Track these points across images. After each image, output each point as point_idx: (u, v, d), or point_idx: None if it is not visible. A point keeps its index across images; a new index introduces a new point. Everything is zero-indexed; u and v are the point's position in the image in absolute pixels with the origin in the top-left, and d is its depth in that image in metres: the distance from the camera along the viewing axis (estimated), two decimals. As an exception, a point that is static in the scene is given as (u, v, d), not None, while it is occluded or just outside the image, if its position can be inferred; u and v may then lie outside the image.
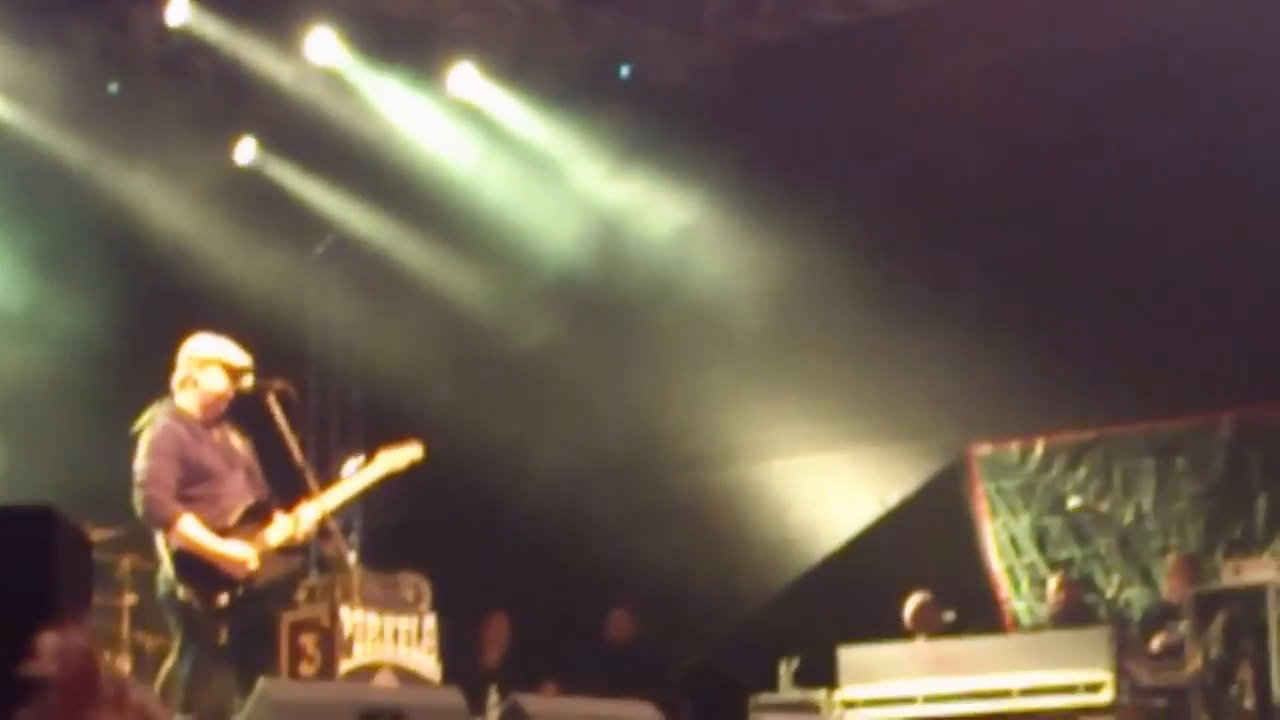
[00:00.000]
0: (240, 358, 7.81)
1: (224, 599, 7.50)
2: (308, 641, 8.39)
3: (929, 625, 12.10)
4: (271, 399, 7.76)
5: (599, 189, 13.93)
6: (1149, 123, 12.39)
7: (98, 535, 8.72)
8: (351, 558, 8.69)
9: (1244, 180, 12.19)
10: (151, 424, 7.67)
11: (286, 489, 7.93)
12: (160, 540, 7.60)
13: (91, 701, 2.10)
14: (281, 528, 7.74)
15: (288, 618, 8.57)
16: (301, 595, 9.06)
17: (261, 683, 6.05)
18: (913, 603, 12.20)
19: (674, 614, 13.27)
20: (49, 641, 2.21)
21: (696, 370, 13.98)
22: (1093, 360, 12.85)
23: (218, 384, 7.76)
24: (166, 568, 7.55)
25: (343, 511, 8.18)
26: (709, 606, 13.74)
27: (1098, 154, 12.53)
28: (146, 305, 11.79)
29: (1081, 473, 13.79)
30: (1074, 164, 12.54)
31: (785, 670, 12.01)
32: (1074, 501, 13.39)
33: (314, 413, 12.34)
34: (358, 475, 8.10)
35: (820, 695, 11.23)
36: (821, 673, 11.21)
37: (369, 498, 10.15)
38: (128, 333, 11.57)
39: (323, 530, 8.11)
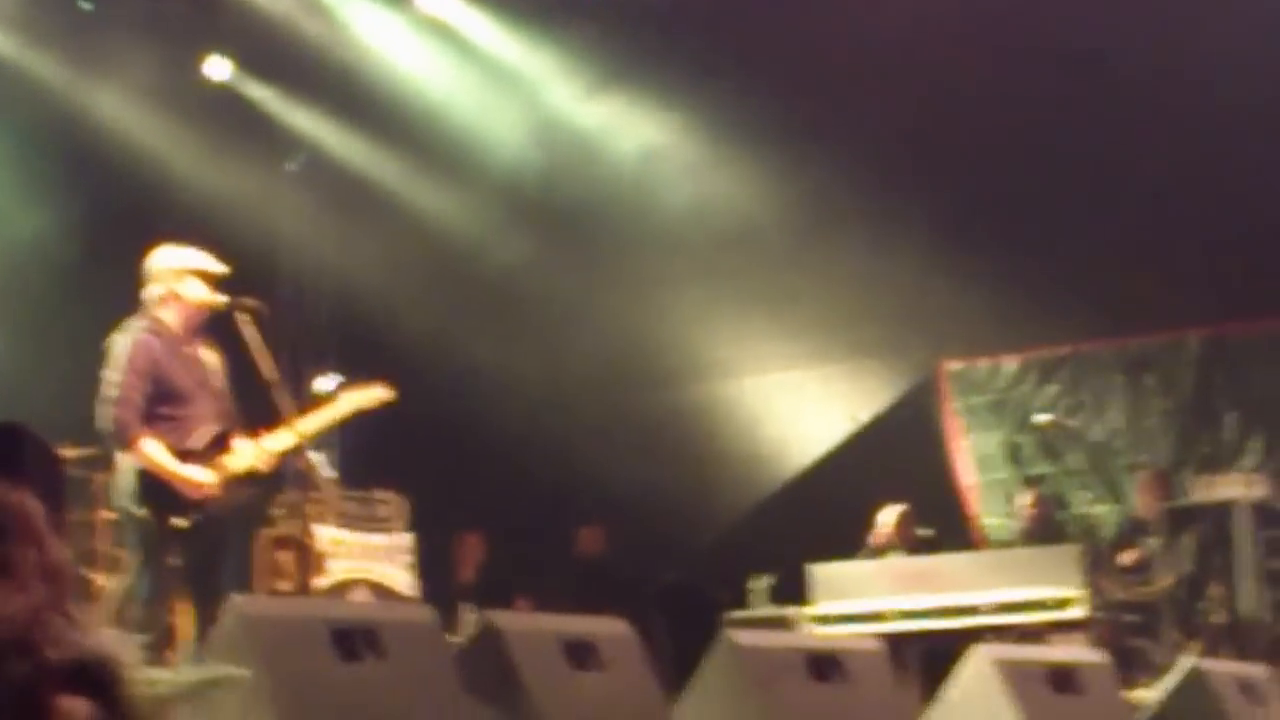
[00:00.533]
0: (216, 265, 7.69)
1: (182, 522, 7.41)
2: (284, 559, 8.39)
3: (906, 537, 12.12)
4: (243, 317, 7.65)
5: (572, 108, 13.87)
6: (1117, 38, 12.35)
7: (70, 453, 8.69)
8: (329, 476, 8.67)
9: (1211, 96, 12.15)
10: (125, 336, 7.55)
11: (257, 410, 7.87)
12: (124, 458, 7.49)
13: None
14: (245, 456, 7.64)
15: (264, 534, 8.51)
16: (279, 512, 9.03)
17: (234, 598, 6.03)
18: (892, 513, 12.20)
19: (647, 531, 13.30)
20: None
21: (669, 289, 13.97)
22: (1064, 277, 12.86)
23: (198, 293, 7.65)
24: (126, 484, 7.44)
25: (309, 444, 8.06)
26: (682, 524, 13.79)
27: (1067, 71, 12.47)
28: (114, 219, 11.69)
29: (1053, 389, 13.88)
30: (1045, 81, 12.48)
31: (757, 587, 12.10)
32: (1042, 417, 13.45)
33: (286, 332, 12.28)
34: (323, 412, 7.98)
35: (792, 611, 11.31)
36: (794, 589, 11.28)
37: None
38: (94, 246, 11.51)
39: (295, 449, 8.02)
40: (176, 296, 7.59)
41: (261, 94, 13.36)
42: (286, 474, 8.26)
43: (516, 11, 13.50)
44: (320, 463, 8.42)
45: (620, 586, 12.00)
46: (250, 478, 7.62)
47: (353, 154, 13.68)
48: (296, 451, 7.82)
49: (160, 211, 11.47)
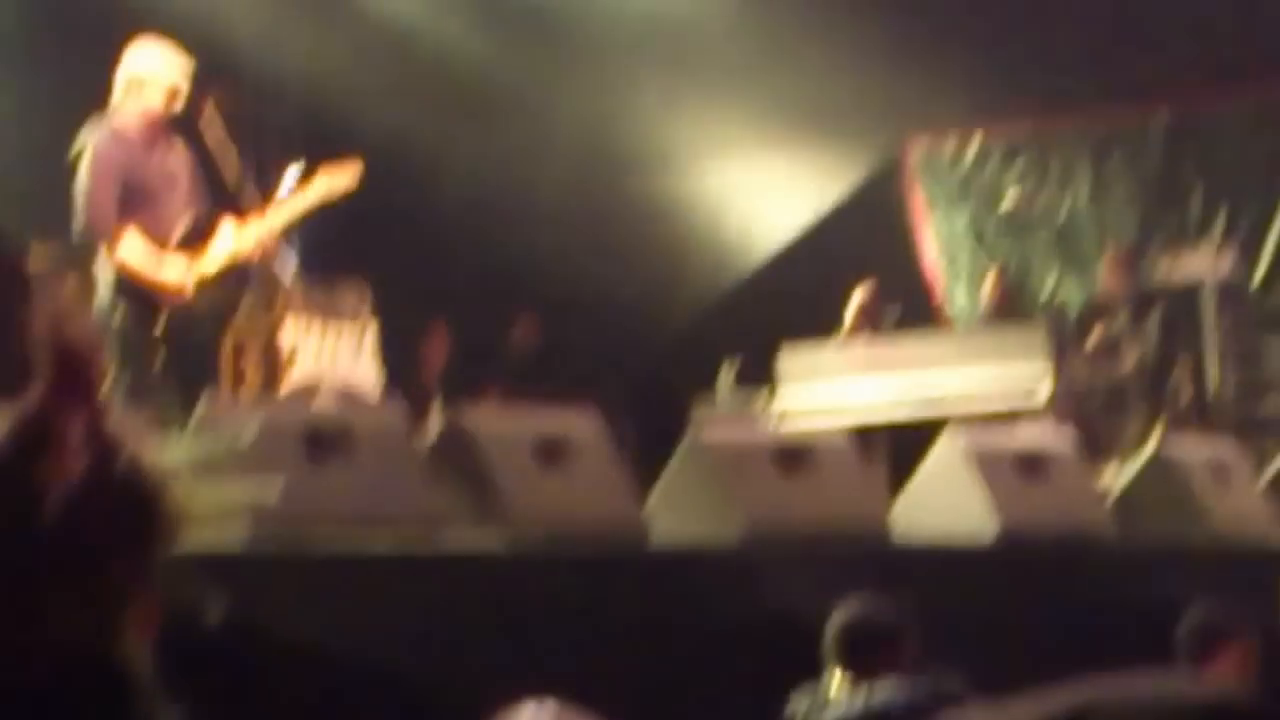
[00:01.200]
0: (179, 73, 7.58)
1: (160, 323, 7.42)
2: (248, 360, 8.38)
3: (873, 316, 12.08)
4: (208, 107, 7.60)
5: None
6: None
7: (37, 251, 8.63)
8: (291, 267, 8.62)
9: None
10: (90, 142, 7.50)
11: (223, 202, 7.84)
12: (100, 263, 7.48)
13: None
14: (221, 248, 7.63)
15: (228, 335, 8.50)
16: (242, 314, 9.00)
17: (203, 400, 6.04)
18: (860, 292, 12.16)
19: (612, 321, 13.32)
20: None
21: (631, 74, 13.82)
22: (1028, 51, 12.76)
23: (156, 100, 7.58)
24: (102, 292, 7.45)
25: (281, 235, 8.04)
26: (647, 316, 13.80)
27: None
28: (81, 10, 11.49)
29: (1017, 169, 13.84)
30: None
31: (725, 377, 12.13)
32: (1010, 199, 13.44)
33: (249, 128, 12.12)
34: (297, 197, 7.95)
35: (761, 399, 11.37)
36: (762, 378, 11.33)
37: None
38: (63, 36, 11.31)
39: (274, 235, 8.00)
40: (136, 98, 7.53)
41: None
42: (250, 274, 8.20)
43: None
44: (283, 252, 8.33)
45: (554, 374, 11.97)
46: (222, 275, 7.62)
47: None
48: (269, 243, 7.81)
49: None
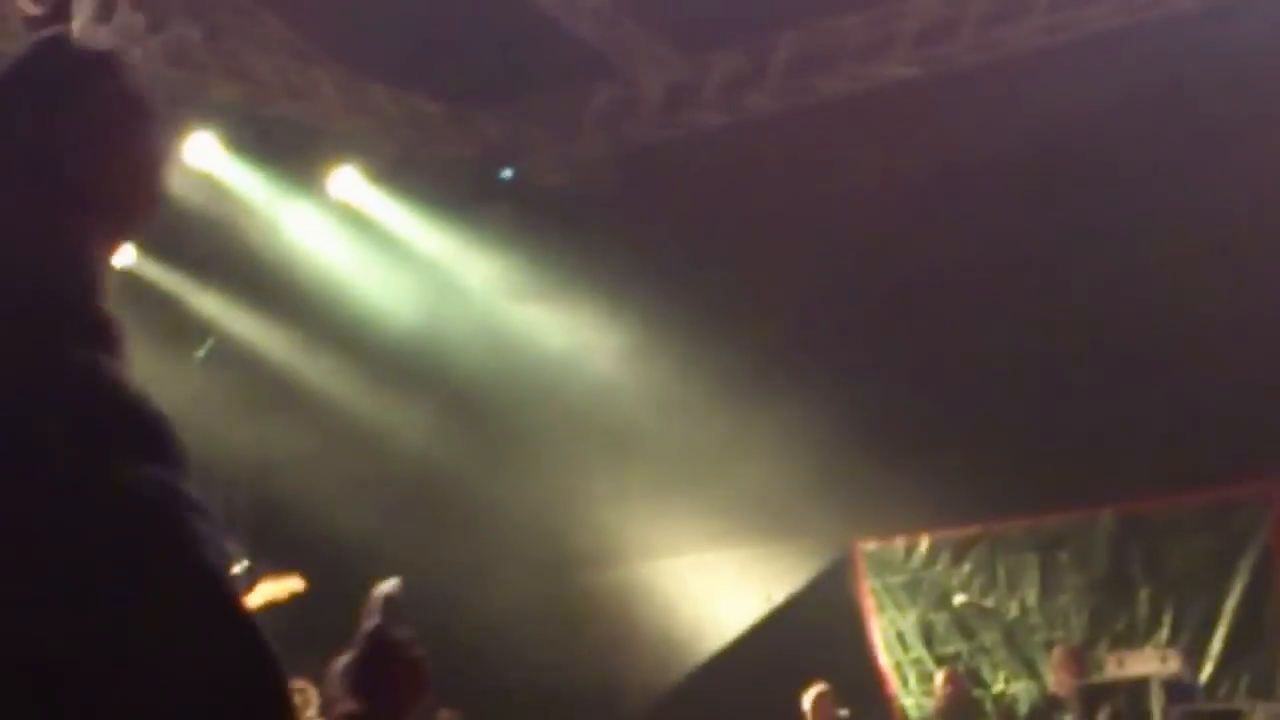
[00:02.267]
0: None
1: None
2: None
3: (827, 716, 12.15)
4: None
5: (482, 294, 14.01)
6: (1022, 216, 12.65)
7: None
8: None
9: (1106, 276, 12.46)
10: None
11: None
12: None
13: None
14: None
15: None
16: None
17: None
18: (812, 693, 12.25)
19: (559, 715, 13.24)
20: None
21: (583, 471, 14.02)
22: (976, 457, 13.05)
23: None
24: None
25: None
26: (595, 707, 13.72)
27: (972, 245, 12.68)
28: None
29: (966, 568, 14.02)
30: (951, 255, 12.70)
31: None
32: (959, 599, 13.56)
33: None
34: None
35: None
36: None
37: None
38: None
39: None
40: None
41: (169, 280, 13.38)
42: None
43: (427, 196, 13.65)
44: None
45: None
46: None
47: (264, 341, 13.73)
48: None
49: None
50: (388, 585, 2.67)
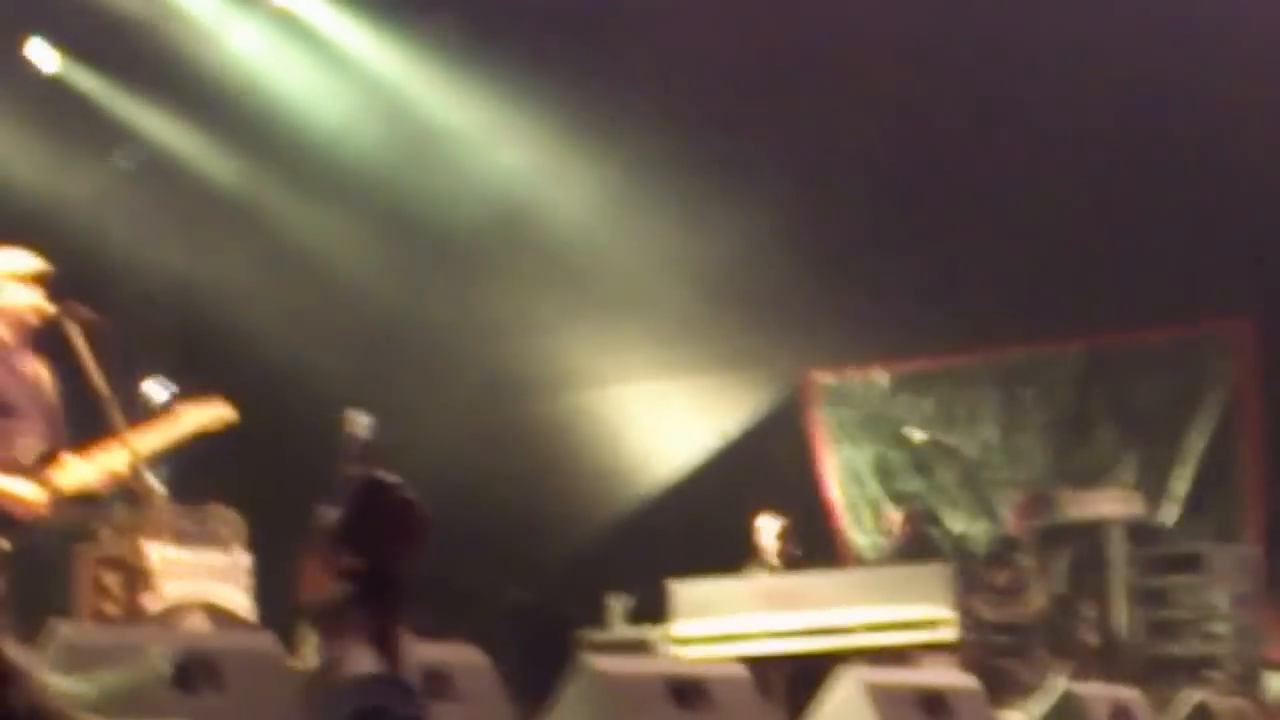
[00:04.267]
0: (32, 261, 7.54)
1: (4, 542, 7.32)
2: (111, 580, 8.24)
3: (785, 552, 12.12)
4: (73, 327, 7.54)
5: (429, 104, 13.77)
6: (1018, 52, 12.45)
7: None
8: (159, 490, 8.54)
9: (1082, 101, 12.32)
10: None
11: (89, 424, 7.78)
12: None
13: None
14: (77, 472, 7.54)
15: (90, 553, 8.37)
16: (105, 530, 8.88)
17: (59, 627, 5.94)
18: (771, 527, 12.19)
19: (502, 547, 13.26)
20: None
21: (529, 295, 13.93)
22: (938, 286, 12.99)
23: (22, 296, 7.53)
24: None
25: (147, 462, 7.97)
26: (538, 540, 13.76)
27: (947, 74, 12.54)
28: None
29: (926, 403, 14.05)
30: (922, 81, 12.53)
31: (615, 607, 12.10)
32: (918, 435, 13.60)
33: (120, 340, 12.10)
34: (161, 429, 7.88)
35: (652, 632, 11.34)
36: (654, 609, 11.29)
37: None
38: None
39: (132, 467, 7.91)
40: None
41: (94, 85, 13.14)
42: (112, 495, 8.12)
43: (369, 3, 13.35)
44: (150, 476, 8.27)
45: (434, 603, 11.87)
46: (82, 497, 7.52)
47: (196, 152, 13.51)
48: (133, 470, 7.71)
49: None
50: (359, 426, 2.56)
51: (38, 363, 7.61)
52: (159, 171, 13.50)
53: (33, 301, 7.45)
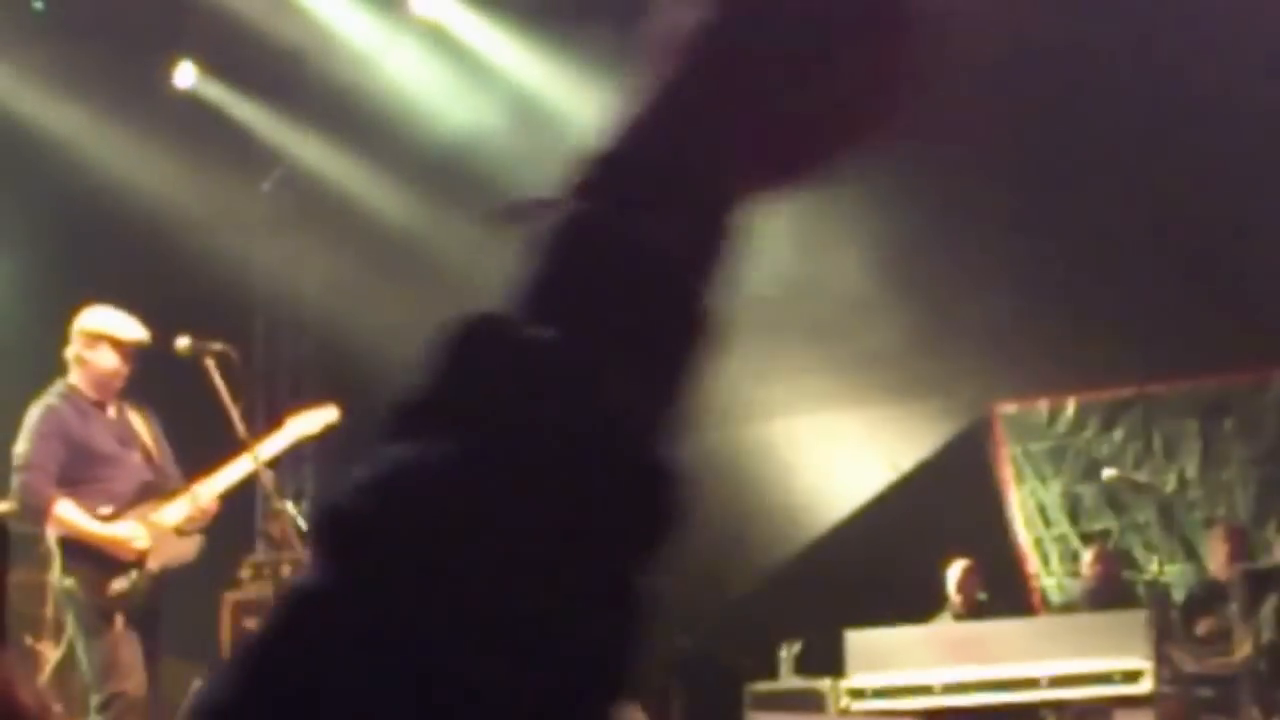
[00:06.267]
0: (133, 331, 7.92)
1: (117, 585, 7.54)
2: (253, 625, 8.28)
3: (969, 595, 12.11)
4: (210, 363, 7.72)
5: (581, 122, 13.67)
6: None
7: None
8: (301, 526, 8.60)
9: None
10: (39, 403, 7.80)
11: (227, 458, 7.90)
12: (47, 531, 7.66)
13: None
14: (178, 507, 7.76)
15: (229, 598, 8.64)
16: (246, 573, 9.02)
17: (201, 682, 5.91)
18: (957, 568, 12.20)
19: (667, 593, 13.10)
20: None
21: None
22: (1131, 311, 12.70)
23: (107, 361, 7.90)
24: (52, 557, 7.64)
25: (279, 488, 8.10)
26: (704, 584, 13.62)
27: (1125, 91, 12.30)
28: (69, 252, 11.62)
29: (1118, 435, 13.78)
30: (1115, 100, 12.33)
31: (786, 656, 11.97)
32: (1109, 471, 13.32)
33: (262, 367, 12.17)
34: (264, 445, 8.06)
35: (825, 684, 11.18)
36: (827, 659, 11.12)
37: (320, 462, 9.99)
38: (48, 285, 11.39)
39: (270, 509, 8.17)
40: (83, 362, 7.81)
41: (235, 103, 13.22)
42: (256, 532, 8.27)
43: (523, 12, 13.30)
44: (292, 513, 8.36)
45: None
46: (192, 530, 7.76)
47: (336, 169, 13.56)
48: (275, 509, 7.90)
49: (123, 237, 11.34)
50: None
51: (130, 408, 7.93)
52: (298, 189, 13.57)
53: (118, 368, 7.77)
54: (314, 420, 8.22)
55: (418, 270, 13.50)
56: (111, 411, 7.88)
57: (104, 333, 7.87)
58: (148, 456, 7.88)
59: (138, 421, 7.94)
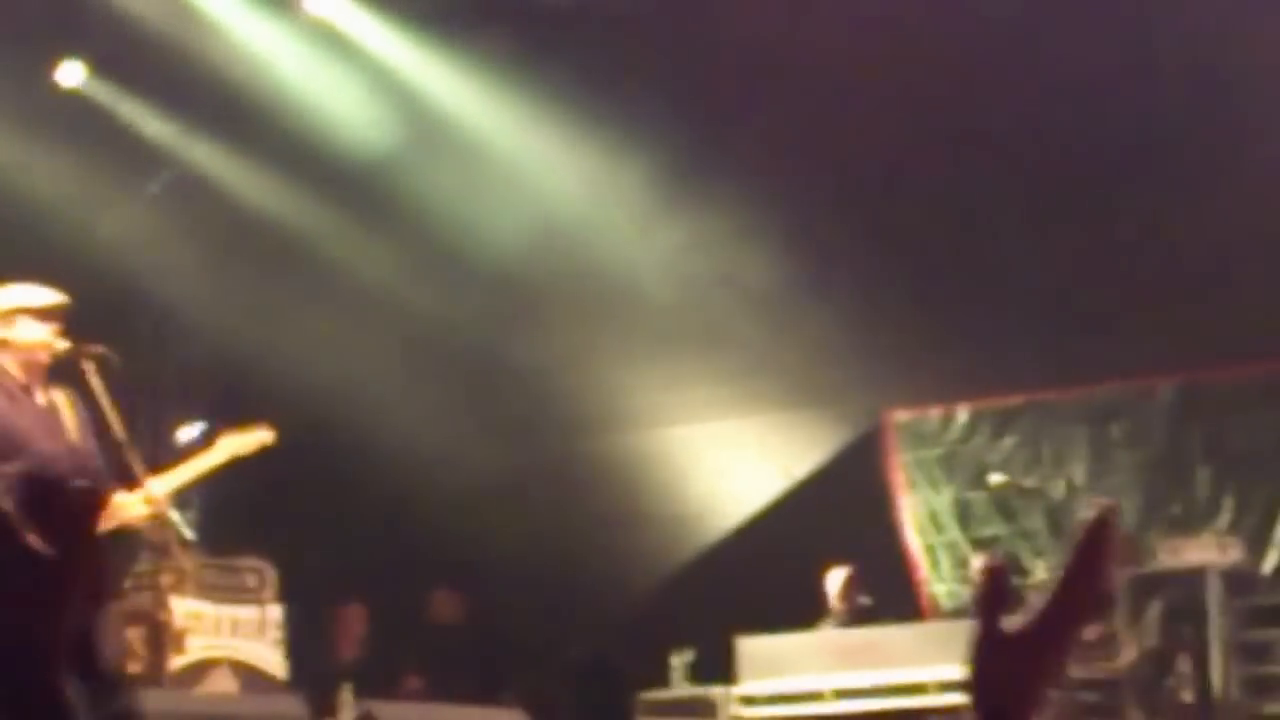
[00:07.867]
0: (46, 296, 7.59)
1: None
2: (134, 636, 8.22)
3: (850, 606, 12.09)
4: (88, 366, 7.56)
5: (477, 126, 13.67)
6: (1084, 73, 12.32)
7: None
8: (187, 540, 8.51)
9: (1182, 134, 12.17)
10: None
11: (108, 467, 7.75)
12: None
13: None
14: (122, 509, 7.58)
15: (114, 609, 8.46)
16: (127, 584, 8.90)
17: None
18: (837, 576, 12.15)
19: (558, 598, 13.18)
20: None
21: (588, 330, 13.85)
22: (1021, 320, 12.81)
23: (32, 333, 7.56)
24: None
25: (176, 497, 7.96)
26: (597, 590, 13.68)
27: (1034, 79, 12.37)
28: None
29: (1009, 442, 13.84)
30: (1004, 115, 12.41)
31: (678, 663, 11.98)
32: (996, 478, 13.42)
33: (147, 374, 12.07)
34: (196, 461, 7.90)
35: (716, 691, 11.22)
36: (718, 666, 11.17)
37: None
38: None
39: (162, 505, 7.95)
40: (5, 343, 7.52)
41: (124, 104, 13.13)
42: (139, 541, 8.10)
43: (414, 13, 13.27)
44: (177, 523, 8.26)
45: (474, 652, 11.83)
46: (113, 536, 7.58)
47: (227, 173, 13.49)
48: (159, 519, 7.74)
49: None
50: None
51: (57, 396, 7.63)
52: (192, 197, 13.48)
53: (43, 338, 7.43)
54: (248, 441, 8.03)
55: (308, 275, 13.48)
56: (40, 398, 7.65)
57: (17, 306, 7.64)
58: (76, 448, 7.69)
59: (64, 410, 7.72)
